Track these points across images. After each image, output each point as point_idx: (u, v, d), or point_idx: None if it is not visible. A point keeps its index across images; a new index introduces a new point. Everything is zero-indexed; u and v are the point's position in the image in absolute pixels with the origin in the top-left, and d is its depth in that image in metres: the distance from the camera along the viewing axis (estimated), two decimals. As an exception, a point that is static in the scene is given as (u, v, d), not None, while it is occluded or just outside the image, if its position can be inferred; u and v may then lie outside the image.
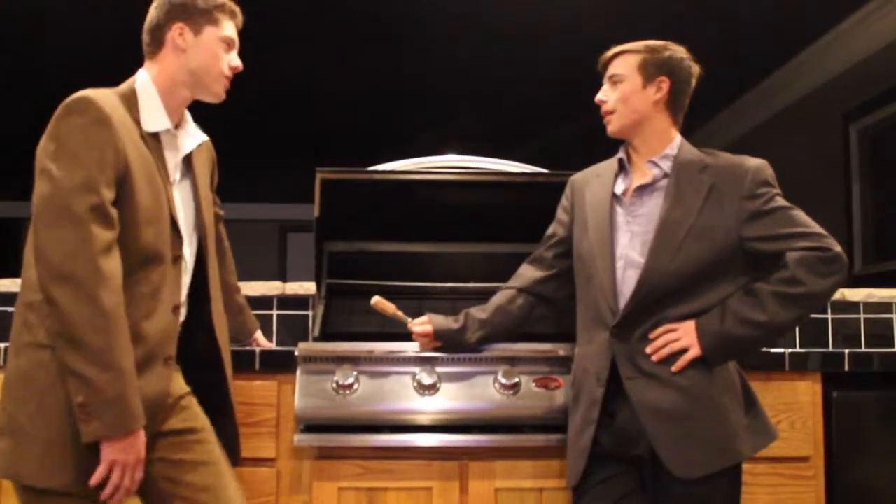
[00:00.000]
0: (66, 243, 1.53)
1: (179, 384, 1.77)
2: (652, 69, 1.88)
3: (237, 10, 1.82)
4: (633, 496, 1.85)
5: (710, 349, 1.78)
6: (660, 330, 1.81)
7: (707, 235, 1.81)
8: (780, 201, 1.84)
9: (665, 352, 1.79)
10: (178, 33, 1.73)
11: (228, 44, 1.79)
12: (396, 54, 5.29)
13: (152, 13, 1.77)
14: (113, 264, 1.56)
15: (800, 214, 1.83)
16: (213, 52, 1.76)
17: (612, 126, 1.93)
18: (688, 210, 1.83)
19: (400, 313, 2.09)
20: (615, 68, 1.91)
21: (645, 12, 4.14)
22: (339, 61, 5.45)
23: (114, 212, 1.59)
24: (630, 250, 1.86)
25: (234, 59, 1.81)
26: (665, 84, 1.88)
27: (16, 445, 1.57)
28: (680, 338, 1.79)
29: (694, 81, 1.94)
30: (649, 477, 1.83)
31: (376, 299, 2.10)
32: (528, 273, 2.08)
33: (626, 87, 1.89)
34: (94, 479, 1.56)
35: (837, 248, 1.80)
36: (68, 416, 1.55)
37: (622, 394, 1.82)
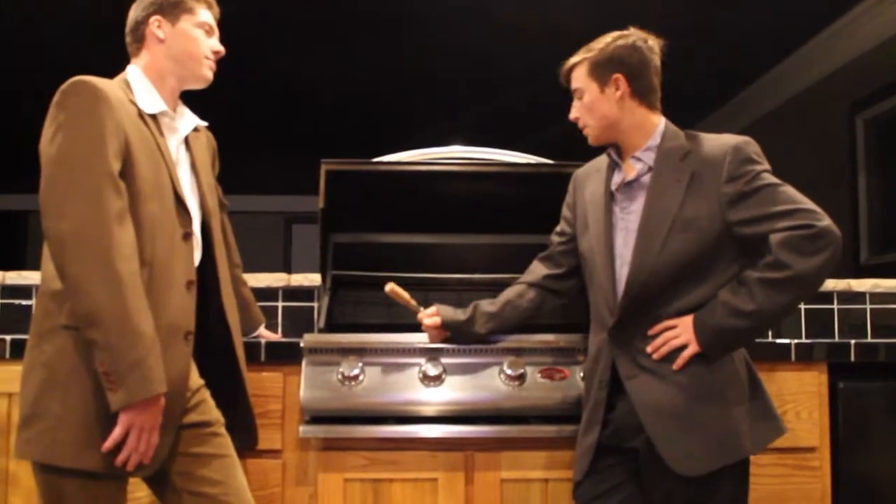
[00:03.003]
0: (77, 213, 1.53)
1: (195, 376, 1.77)
2: (601, 70, 1.84)
3: (212, 0, 1.87)
4: (623, 487, 1.83)
5: (708, 344, 1.75)
6: (658, 327, 1.79)
7: (692, 226, 1.76)
8: (765, 178, 1.76)
9: (664, 350, 1.77)
10: (156, 26, 1.78)
11: (206, 29, 1.83)
12: (401, 46, 5.28)
13: (131, 14, 1.82)
14: (126, 232, 1.57)
15: (786, 191, 1.75)
16: (192, 36, 1.80)
17: (590, 138, 1.92)
18: (670, 203, 1.79)
19: (413, 302, 2.10)
20: (573, 83, 1.91)
21: (648, 1, 4.11)
22: (344, 54, 5.44)
23: (121, 182, 1.59)
24: (625, 248, 1.84)
25: (215, 44, 1.85)
26: (620, 80, 1.83)
27: (47, 430, 1.57)
28: (679, 335, 1.76)
29: (654, 58, 1.86)
30: (646, 471, 1.80)
31: (390, 286, 2.09)
32: (538, 269, 2.08)
33: (587, 98, 1.87)
34: (109, 442, 1.55)
35: (824, 222, 1.69)
36: (97, 396, 1.56)
37: (624, 391, 1.81)
